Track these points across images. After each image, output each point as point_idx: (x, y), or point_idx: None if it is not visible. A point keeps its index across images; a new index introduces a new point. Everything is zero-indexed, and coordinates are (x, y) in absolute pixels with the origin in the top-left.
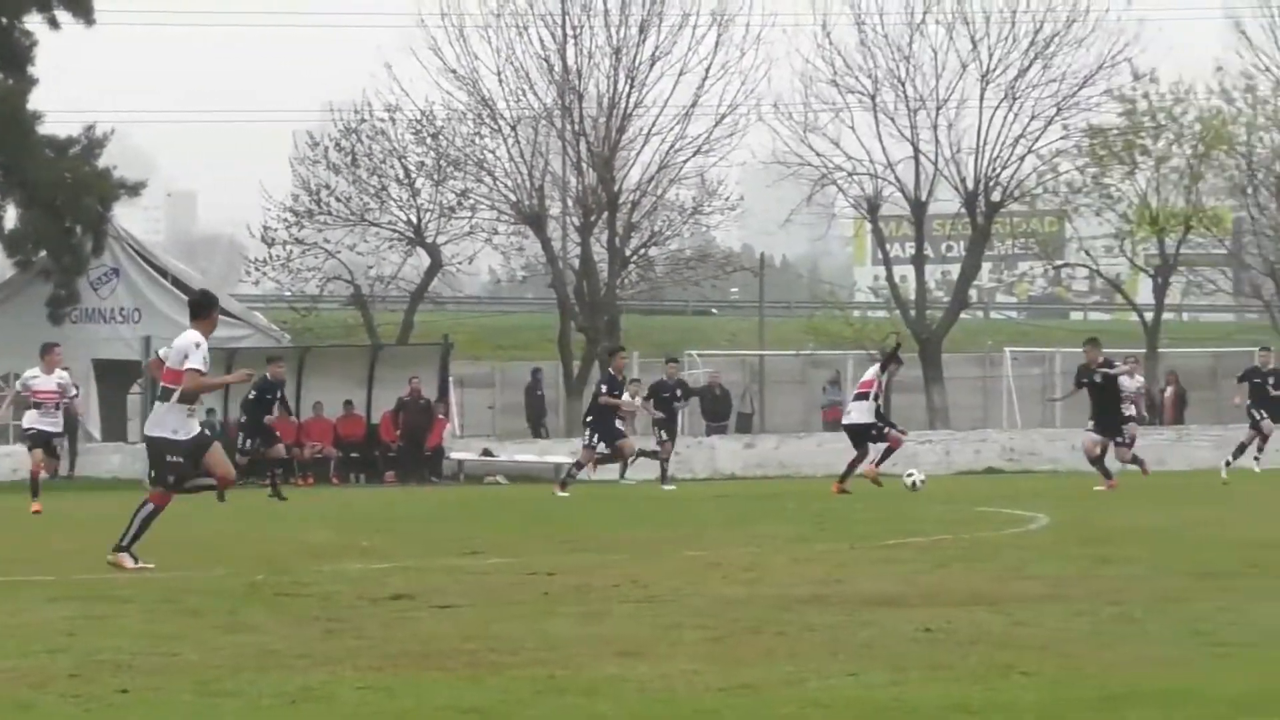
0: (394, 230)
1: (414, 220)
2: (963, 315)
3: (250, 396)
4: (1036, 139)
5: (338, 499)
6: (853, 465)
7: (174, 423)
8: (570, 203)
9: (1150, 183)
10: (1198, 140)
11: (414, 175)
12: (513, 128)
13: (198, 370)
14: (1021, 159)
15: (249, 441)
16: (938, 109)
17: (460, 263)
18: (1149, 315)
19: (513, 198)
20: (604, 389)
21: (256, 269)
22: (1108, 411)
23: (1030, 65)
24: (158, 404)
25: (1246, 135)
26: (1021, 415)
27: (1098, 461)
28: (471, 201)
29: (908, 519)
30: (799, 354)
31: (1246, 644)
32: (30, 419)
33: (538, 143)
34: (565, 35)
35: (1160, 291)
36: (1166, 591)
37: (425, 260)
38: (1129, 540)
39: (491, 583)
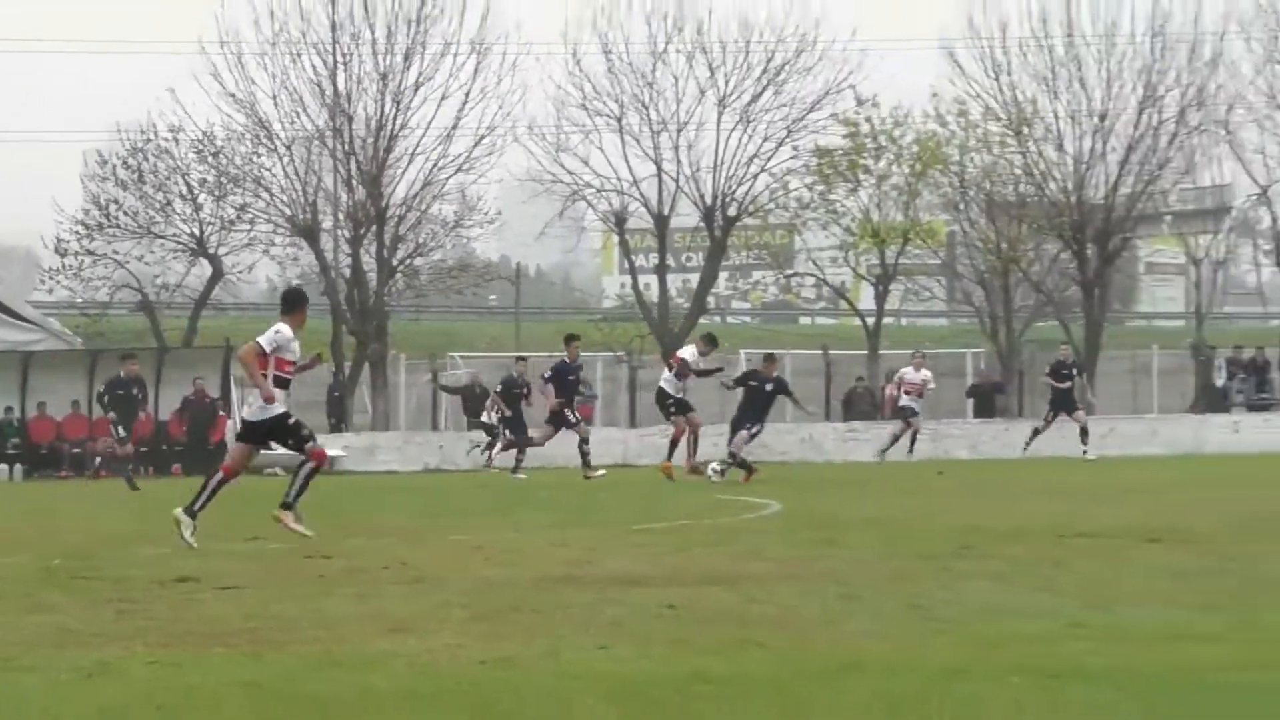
0: (178, 242)
1: (197, 233)
2: (701, 319)
3: (116, 392)
4: (769, 159)
5: (130, 491)
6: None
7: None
8: (341, 217)
9: (872, 199)
10: (915, 160)
11: (196, 191)
12: (288, 147)
13: (257, 347)
14: (755, 177)
15: (120, 429)
16: (678, 131)
17: (240, 272)
18: (871, 320)
19: (288, 212)
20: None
21: (50, 278)
22: (759, 413)
23: (763, 91)
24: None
25: (959, 156)
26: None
27: (736, 456)
28: (250, 215)
29: (653, 506)
30: (552, 356)
31: (958, 619)
32: None
33: (311, 161)
34: (335, 62)
35: (881, 298)
36: (888, 572)
37: (208, 270)
38: (855, 526)
39: (271, 566)
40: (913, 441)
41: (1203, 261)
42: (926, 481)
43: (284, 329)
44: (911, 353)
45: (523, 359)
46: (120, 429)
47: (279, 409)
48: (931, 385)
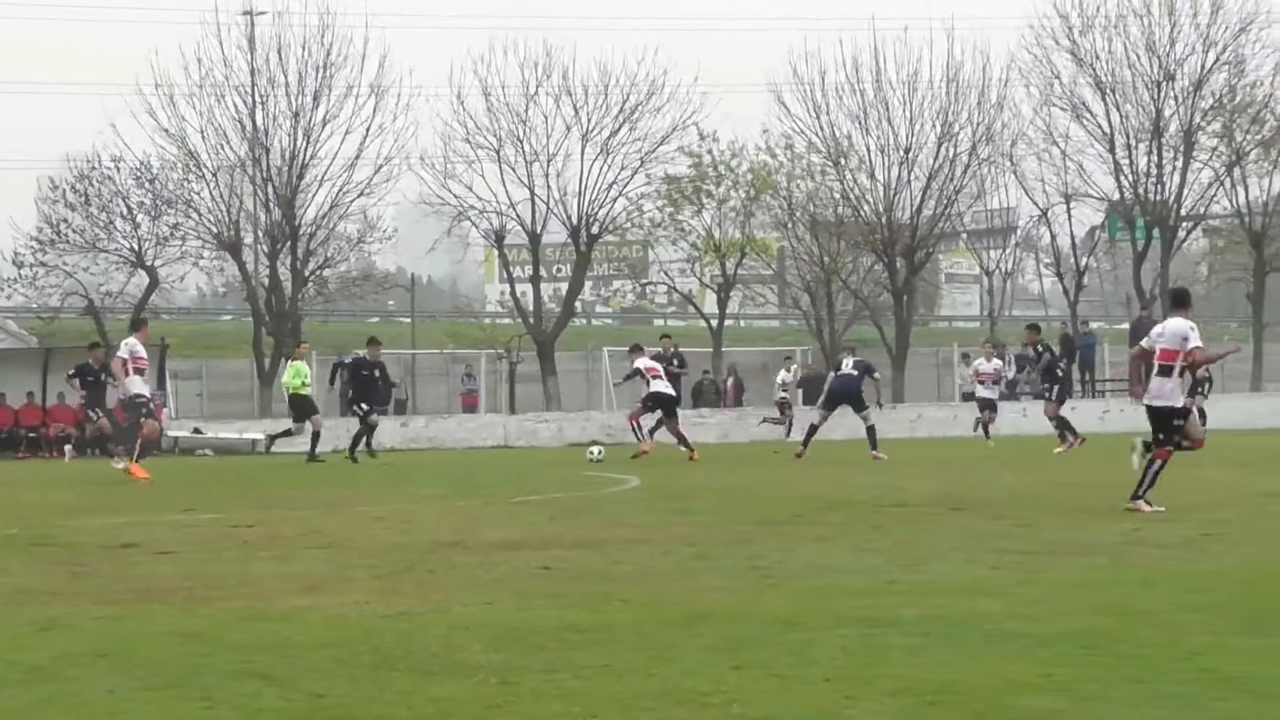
0: (120, 256)
1: (136, 248)
2: (570, 322)
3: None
4: (626, 185)
5: (78, 469)
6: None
7: None
8: (260, 234)
9: (713, 219)
10: (749, 186)
11: (135, 212)
12: (214, 175)
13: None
14: (614, 200)
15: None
16: (548, 161)
17: (173, 281)
18: (715, 322)
19: (214, 230)
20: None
21: (8, 285)
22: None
23: (620, 127)
24: None
25: (786, 183)
26: (616, 399)
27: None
28: (182, 233)
29: (529, 481)
30: (442, 352)
31: (792, 576)
32: None
33: (234, 186)
34: (254, 101)
35: (723, 304)
36: (732, 536)
37: (145, 279)
38: (704, 496)
39: (202, 534)
40: (986, 430)
41: (994, 272)
42: (763, 459)
43: None
44: (984, 341)
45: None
46: (95, 411)
47: None
48: (1006, 374)
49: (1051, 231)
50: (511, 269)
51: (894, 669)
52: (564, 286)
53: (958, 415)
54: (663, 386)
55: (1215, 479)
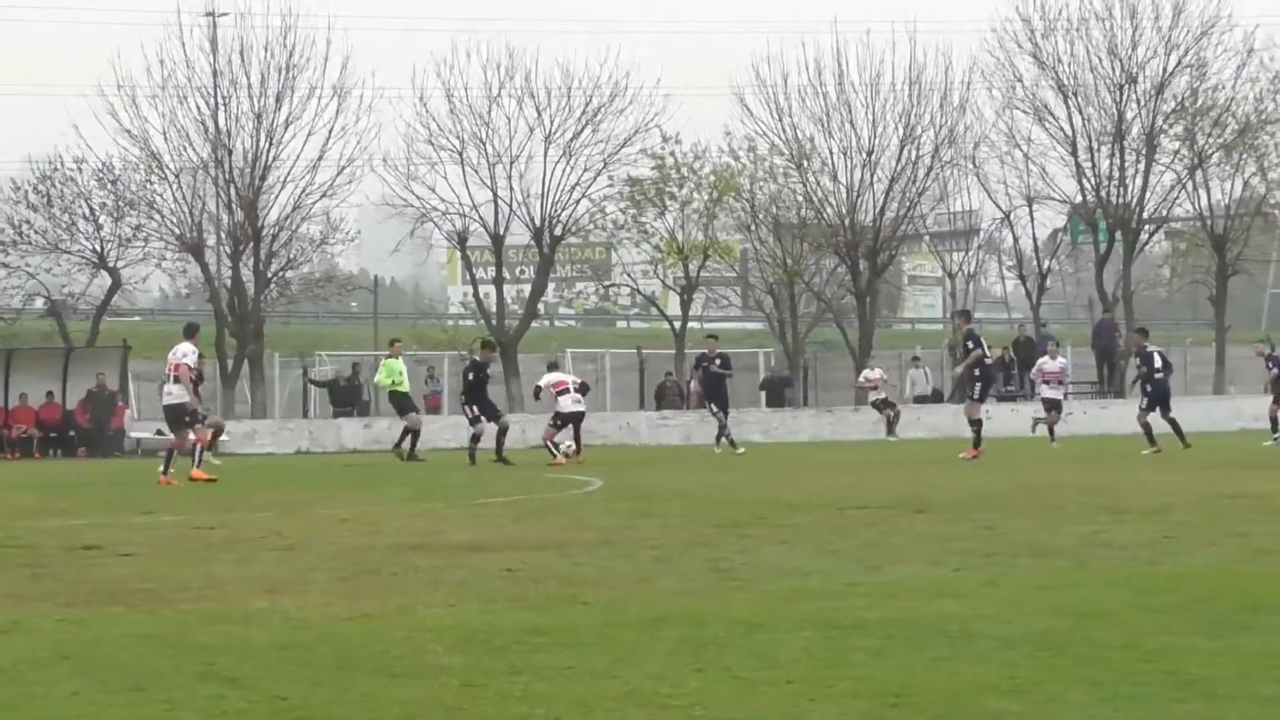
0: (82, 257)
1: (98, 249)
2: (533, 324)
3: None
4: (589, 187)
5: (40, 470)
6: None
7: None
8: (223, 235)
9: (677, 221)
10: (712, 188)
11: (98, 213)
12: (176, 176)
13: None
14: (577, 202)
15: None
16: (511, 163)
17: (136, 283)
18: (678, 324)
19: (177, 231)
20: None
21: None
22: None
23: (583, 129)
24: None
25: (750, 185)
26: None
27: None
28: (144, 234)
29: (493, 484)
30: (407, 355)
31: (754, 578)
32: None
33: (196, 188)
34: (217, 103)
35: (686, 305)
36: (695, 538)
37: (108, 281)
38: (666, 498)
39: (164, 535)
40: (1051, 431)
41: (956, 275)
42: (725, 461)
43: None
44: (1047, 339)
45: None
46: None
47: None
48: (1068, 373)
49: (1014, 234)
50: (474, 271)
51: (856, 671)
52: (527, 288)
53: (920, 418)
54: (569, 403)
55: (1176, 482)
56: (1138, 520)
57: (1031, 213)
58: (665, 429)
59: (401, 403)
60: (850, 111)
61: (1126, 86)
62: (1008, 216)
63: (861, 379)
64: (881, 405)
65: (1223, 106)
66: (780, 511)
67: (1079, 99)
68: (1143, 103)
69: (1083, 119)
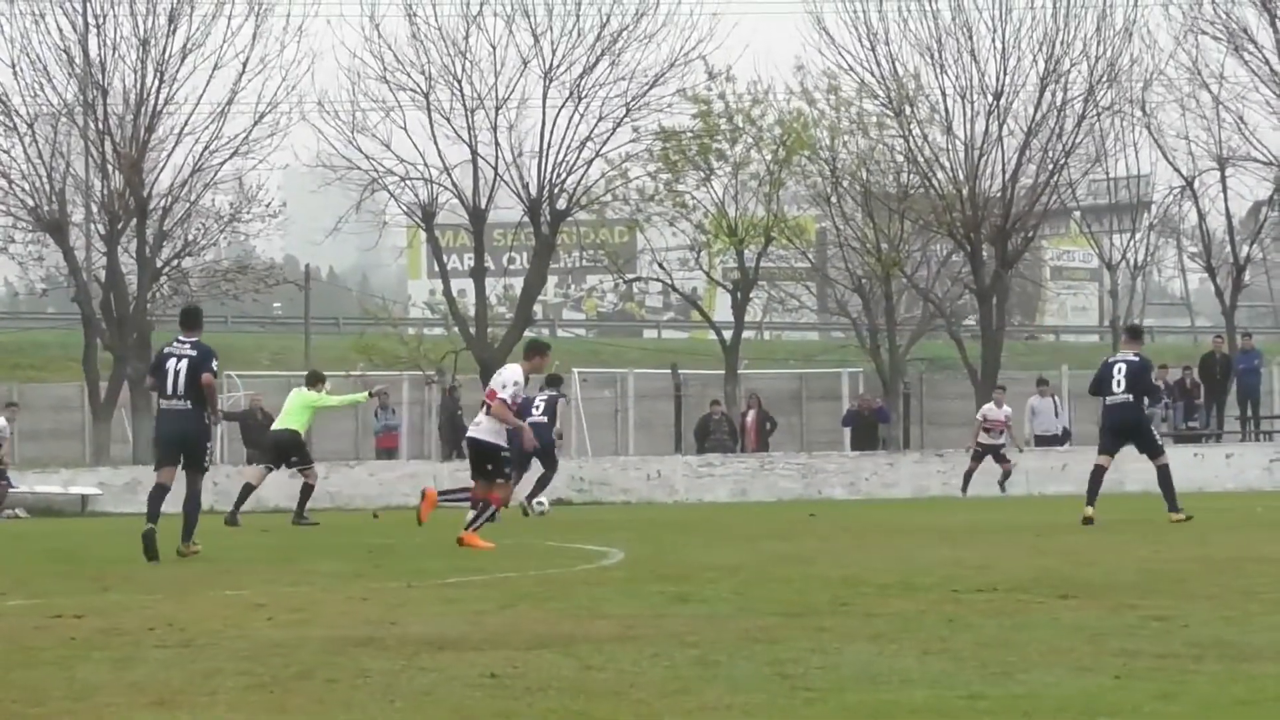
0: None
1: None
2: (527, 333)
3: None
4: (605, 142)
5: None
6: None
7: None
8: (95, 208)
9: (727, 190)
10: (778, 145)
11: None
12: (29, 126)
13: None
14: (589, 164)
15: None
16: (497, 109)
17: None
18: (728, 333)
19: (30, 203)
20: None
21: None
22: None
23: (597, 62)
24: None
25: (829, 140)
26: (592, 442)
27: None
28: None
29: (471, 554)
30: (349, 375)
31: (833, 687)
32: None
33: (57, 142)
34: (86, 24)
35: (740, 308)
36: (749, 632)
37: None
38: (710, 577)
39: (13, 626)
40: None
41: (1118, 266)
42: (796, 524)
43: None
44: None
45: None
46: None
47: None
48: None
49: (1200, 209)
50: (445, 258)
51: None
52: (518, 283)
53: (1068, 465)
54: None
55: None
56: None
57: (1224, 179)
58: (710, 480)
59: (304, 451)
60: (971, 37)
61: None
62: (1190, 184)
63: (980, 416)
64: (994, 455)
65: None
66: (870, 596)
67: None
68: None
69: None
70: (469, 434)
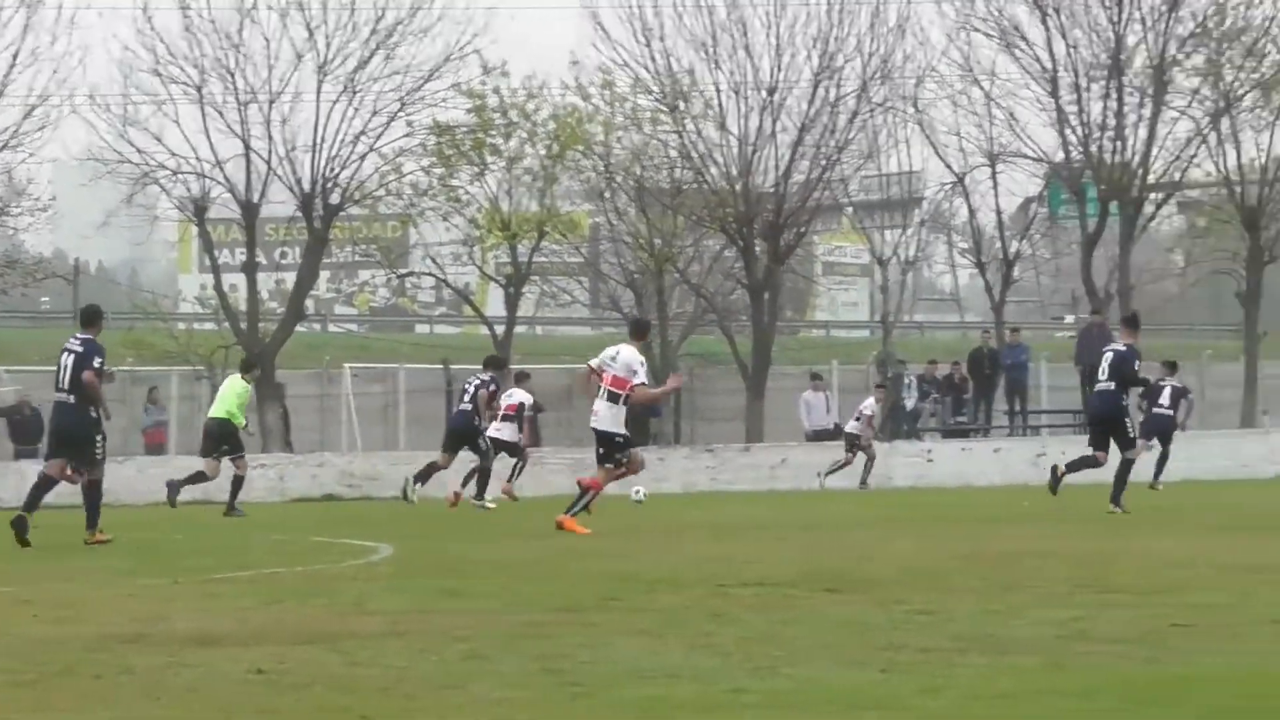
0: None
1: None
2: (299, 328)
3: None
4: (379, 136)
5: None
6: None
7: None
8: None
9: (501, 185)
10: (552, 140)
11: None
12: None
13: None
14: (362, 158)
15: None
16: (270, 102)
17: None
18: (500, 328)
19: None
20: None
21: None
22: None
23: (371, 56)
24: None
25: (603, 135)
26: (363, 437)
27: None
28: None
29: (238, 551)
30: (117, 369)
31: (603, 683)
32: None
33: None
34: None
35: (512, 303)
36: (518, 627)
37: None
38: (480, 572)
39: None
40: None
41: (890, 261)
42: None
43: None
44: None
45: None
46: None
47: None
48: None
49: (970, 205)
50: (216, 253)
51: None
52: (290, 278)
53: (838, 459)
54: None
55: (1187, 550)
56: (1133, 603)
57: (995, 176)
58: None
59: (236, 440)
60: (746, 33)
61: (1127, 0)
62: (961, 180)
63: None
64: (860, 446)
65: (1260, 29)
66: (639, 591)
67: (1062, 17)
68: (1149, 23)
69: (1067, 46)
70: (593, 425)
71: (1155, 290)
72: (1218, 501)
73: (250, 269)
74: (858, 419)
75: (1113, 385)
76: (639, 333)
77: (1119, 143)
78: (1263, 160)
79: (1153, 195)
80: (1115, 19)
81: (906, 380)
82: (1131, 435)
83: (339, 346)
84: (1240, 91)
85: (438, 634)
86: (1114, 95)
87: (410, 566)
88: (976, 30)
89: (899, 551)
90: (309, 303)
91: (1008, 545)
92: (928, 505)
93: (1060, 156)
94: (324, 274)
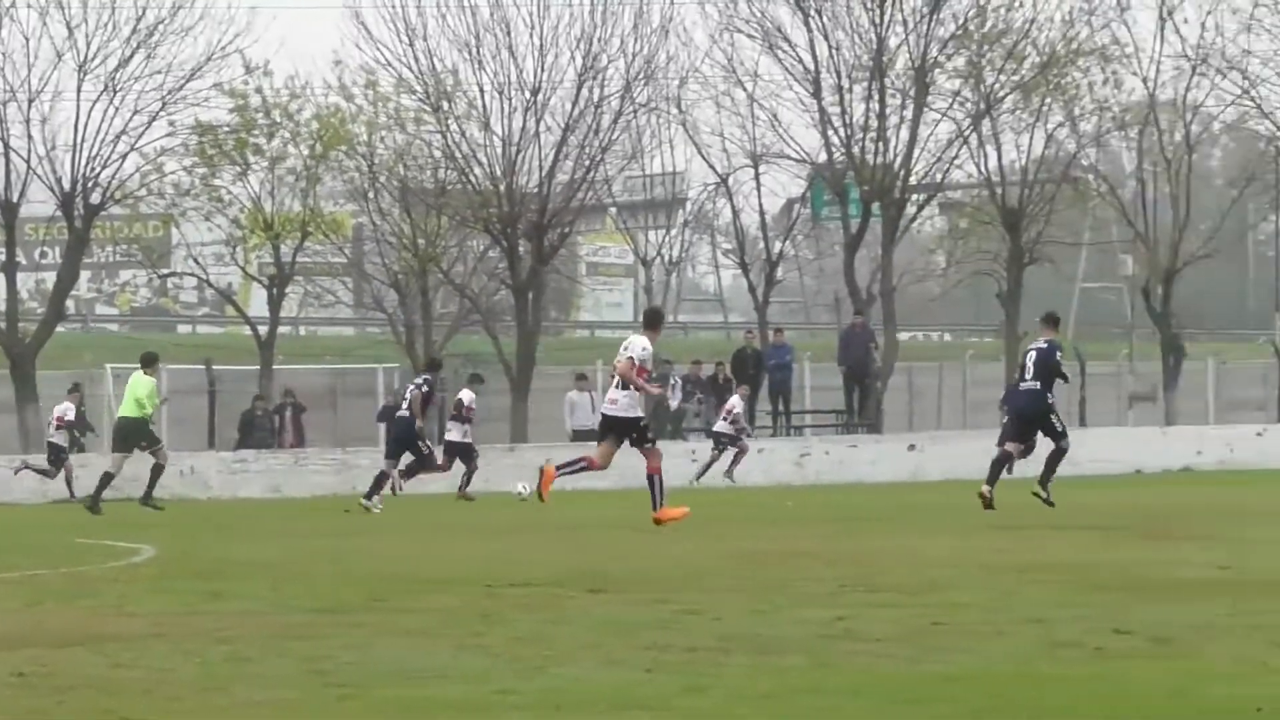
0: None
1: None
2: (59, 328)
3: None
4: (140, 136)
5: None
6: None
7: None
8: None
9: (264, 185)
10: (315, 140)
11: None
12: None
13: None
14: (124, 157)
15: None
16: (30, 102)
17: None
18: (263, 329)
19: None
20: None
21: None
22: None
23: (133, 55)
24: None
25: (367, 135)
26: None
27: None
28: None
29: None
30: None
31: (368, 682)
32: None
33: None
34: None
35: (275, 303)
36: (283, 629)
37: None
38: (243, 574)
39: None
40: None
41: (654, 262)
42: (340, 521)
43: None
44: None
45: None
46: None
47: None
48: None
49: (734, 206)
50: None
51: None
52: (50, 278)
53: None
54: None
55: (950, 549)
56: (897, 602)
57: (758, 177)
58: (245, 476)
59: (149, 434)
60: (509, 33)
61: (888, 2)
62: (725, 181)
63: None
64: (727, 443)
65: (1020, 31)
66: (406, 592)
67: (824, 19)
68: (911, 25)
69: (829, 47)
70: (604, 411)
71: (918, 291)
72: (971, 506)
73: (10, 269)
74: (725, 418)
75: (1038, 385)
76: (652, 323)
77: (881, 144)
78: (1023, 162)
79: (915, 196)
80: (877, 21)
81: (672, 381)
82: (1060, 429)
83: (101, 347)
84: (1001, 93)
85: (201, 635)
86: (876, 97)
87: (173, 568)
88: (739, 31)
89: (665, 552)
90: (69, 303)
91: (773, 545)
92: (694, 505)
93: (823, 157)
94: (85, 274)
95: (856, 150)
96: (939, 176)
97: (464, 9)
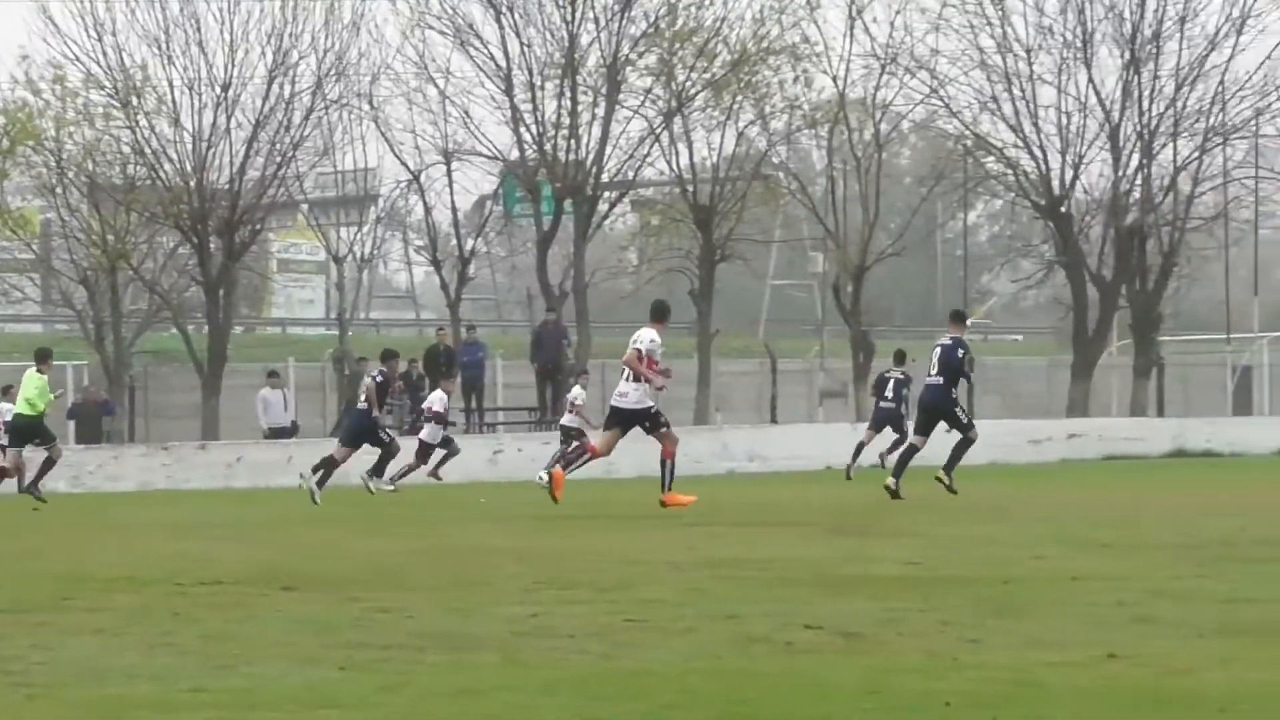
0: None
1: None
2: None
3: None
4: None
5: None
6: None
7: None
8: None
9: None
10: (1, 135)
11: None
12: None
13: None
14: None
15: None
16: None
17: None
18: None
19: None
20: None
21: None
22: None
23: None
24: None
25: (55, 131)
26: None
27: None
28: None
29: None
30: None
31: (56, 682)
32: None
33: None
34: None
35: None
36: None
37: None
38: None
39: None
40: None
41: (345, 259)
42: (17, 522)
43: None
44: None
45: None
46: None
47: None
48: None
49: (426, 203)
50: None
51: None
52: None
53: (292, 457)
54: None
55: (643, 546)
56: (589, 598)
57: (450, 173)
58: None
59: (45, 431)
60: (200, 29)
61: (581, 0)
62: (417, 178)
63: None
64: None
65: (711, 30)
66: (95, 591)
67: (515, 16)
68: (603, 23)
69: (521, 44)
70: (614, 404)
71: (610, 288)
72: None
73: None
74: (570, 410)
75: (941, 380)
76: (658, 316)
77: (573, 141)
78: (714, 159)
79: (607, 194)
80: (569, 18)
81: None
82: (966, 421)
83: None
84: (692, 91)
85: None
86: (568, 94)
87: None
88: (431, 28)
89: (357, 549)
90: None
91: (466, 542)
92: (385, 503)
93: (515, 155)
94: None
95: (549, 147)
96: (631, 174)
97: (153, 4)
